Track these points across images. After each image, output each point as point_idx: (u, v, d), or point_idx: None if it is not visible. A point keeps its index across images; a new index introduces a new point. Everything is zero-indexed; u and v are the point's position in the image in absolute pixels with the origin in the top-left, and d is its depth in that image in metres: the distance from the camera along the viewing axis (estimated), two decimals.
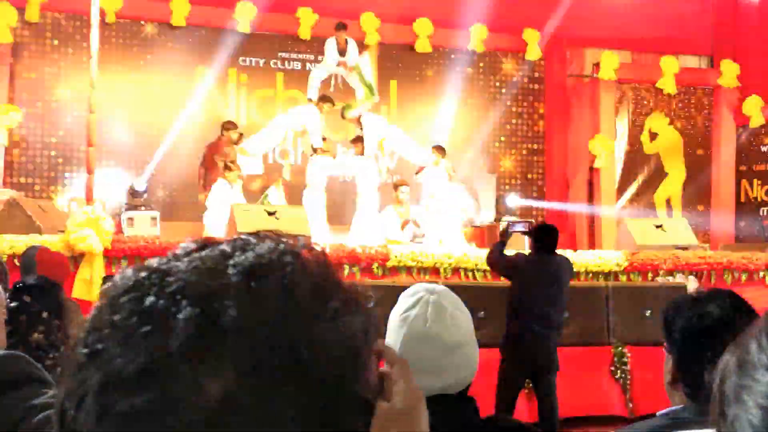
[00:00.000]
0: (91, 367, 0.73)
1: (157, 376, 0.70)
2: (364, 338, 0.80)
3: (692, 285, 10.11)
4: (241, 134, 12.66)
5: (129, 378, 0.70)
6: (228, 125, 12.44)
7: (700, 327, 2.27)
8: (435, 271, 10.29)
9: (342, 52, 12.84)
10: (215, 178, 11.88)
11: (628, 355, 9.69)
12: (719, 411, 0.89)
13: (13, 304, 3.18)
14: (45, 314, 3.22)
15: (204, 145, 12.57)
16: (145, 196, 12.92)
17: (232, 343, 0.71)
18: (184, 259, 0.77)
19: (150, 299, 0.73)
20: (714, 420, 0.90)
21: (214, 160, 12.11)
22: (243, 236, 0.81)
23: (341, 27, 12.80)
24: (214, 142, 12.38)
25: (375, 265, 10.22)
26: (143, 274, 0.76)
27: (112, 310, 0.74)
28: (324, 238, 11.63)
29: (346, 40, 12.92)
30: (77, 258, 9.03)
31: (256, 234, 0.82)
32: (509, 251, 7.92)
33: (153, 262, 0.78)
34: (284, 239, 0.81)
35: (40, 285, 3.33)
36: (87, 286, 8.70)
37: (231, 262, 0.76)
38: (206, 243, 0.80)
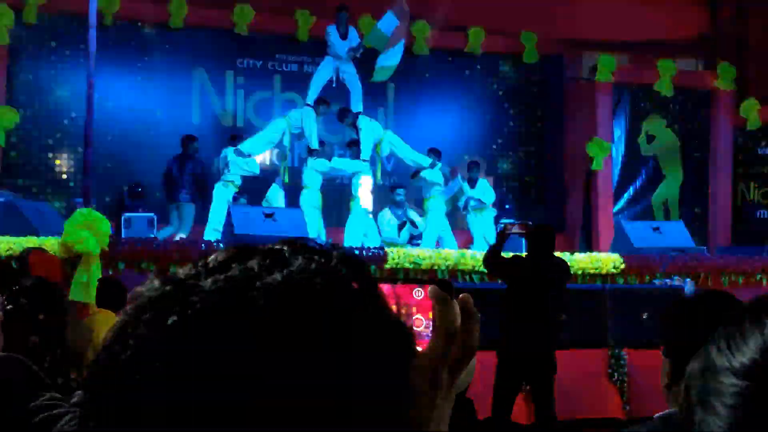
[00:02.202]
0: (114, 378, 0.73)
1: (177, 399, 0.70)
2: (396, 368, 0.77)
3: (689, 288, 10.12)
4: (237, 136, 12.65)
5: (149, 396, 0.71)
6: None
7: (696, 329, 2.27)
8: (432, 273, 10.29)
9: (344, 36, 12.81)
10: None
11: (626, 357, 9.70)
12: (686, 417, 0.91)
13: (9, 307, 3.17)
14: (42, 316, 3.22)
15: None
16: (143, 197, 12.92)
17: (248, 372, 0.70)
18: (210, 277, 0.75)
19: (173, 318, 0.72)
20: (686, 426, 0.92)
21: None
22: (277, 248, 0.78)
23: (342, 8, 12.76)
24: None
25: (372, 268, 10.22)
26: (169, 288, 0.75)
27: (137, 322, 0.74)
28: (320, 241, 11.62)
29: (347, 24, 12.88)
30: (74, 260, 9.02)
31: (291, 244, 0.79)
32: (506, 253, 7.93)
33: (181, 273, 0.77)
34: (317, 256, 0.78)
35: (37, 287, 3.33)
36: (84, 289, 8.67)
37: (258, 284, 0.73)
38: (237, 255, 0.78)
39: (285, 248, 0.78)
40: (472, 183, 13.33)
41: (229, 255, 0.78)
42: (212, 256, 0.78)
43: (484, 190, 13.33)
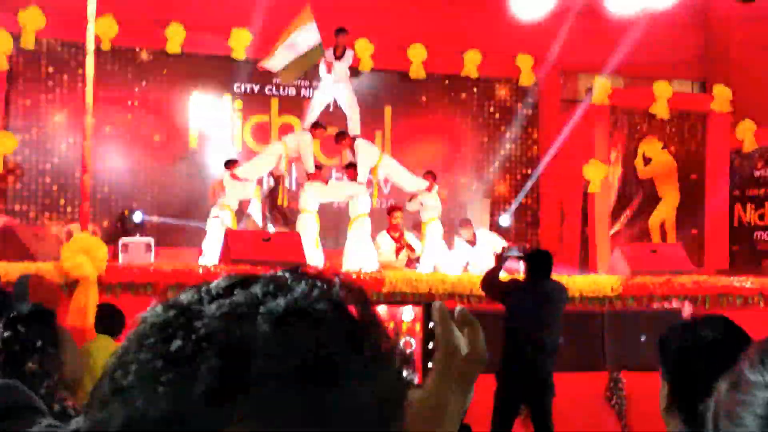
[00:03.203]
0: (116, 402, 0.73)
1: (179, 424, 0.71)
2: (395, 391, 0.78)
3: (687, 310, 10.12)
4: (235, 161, 12.67)
5: (151, 421, 0.71)
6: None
7: (695, 353, 2.27)
8: (430, 296, 10.28)
9: (339, 58, 12.83)
10: None
11: (624, 380, 9.68)
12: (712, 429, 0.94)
13: (6, 334, 3.17)
14: (39, 343, 3.21)
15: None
16: (140, 222, 12.92)
17: (255, 397, 0.71)
18: (214, 303, 0.75)
19: (177, 343, 0.72)
20: None
21: None
22: (279, 274, 0.79)
23: (341, 31, 12.78)
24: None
25: (370, 291, 10.21)
26: (172, 313, 0.76)
27: (140, 348, 0.74)
28: (317, 264, 11.63)
29: (344, 46, 12.90)
30: (71, 285, 9.01)
31: (293, 270, 0.80)
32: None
33: (184, 299, 0.77)
34: (320, 281, 0.78)
35: (34, 314, 3.32)
36: (81, 314, 8.67)
37: (262, 309, 0.74)
38: (240, 281, 0.78)
39: (287, 275, 0.79)
40: (471, 243, 12.80)
41: (231, 281, 0.78)
42: (215, 282, 0.79)
43: (485, 241, 12.80)
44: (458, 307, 1.07)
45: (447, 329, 1.03)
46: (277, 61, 12.48)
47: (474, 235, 12.75)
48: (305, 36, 12.29)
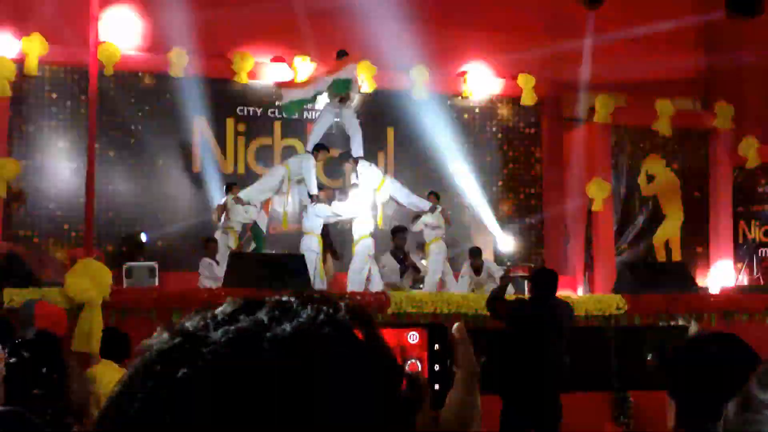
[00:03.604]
0: (122, 430, 0.73)
1: None
2: (403, 414, 0.78)
3: (694, 328, 10.09)
4: (233, 184, 12.68)
5: None
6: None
7: (702, 371, 2.26)
8: (435, 316, 10.25)
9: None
10: None
11: (631, 399, 9.64)
12: None
13: (12, 360, 3.17)
14: (44, 370, 3.20)
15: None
16: (144, 246, 12.94)
17: (260, 424, 0.71)
18: (220, 329, 0.75)
19: (183, 371, 0.72)
20: None
21: None
22: (284, 299, 0.79)
23: (342, 53, 12.82)
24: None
25: (374, 312, 10.19)
26: (178, 340, 0.76)
27: (146, 375, 0.74)
28: (321, 286, 11.62)
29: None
30: (76, 310, 9.00)
31: (298, 295, 0.80)
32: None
33: (189, 326, 0.77)
34: (325, 306, 0.78)
35: (39, 340, 3.32)
36: (86, 338, 8.67)
37: (268, 335, 0.74)
38: (245, 307, 0.78)
39: (292, 299, 0.79)
40: (478, 271, 12.71)
41: (237, 307, 0.78)
42: (220, 308, 0.78)
43: (491, 272, 12.52)
44: (456, 324, 1.10)
45: (467, 349, 1.07)
46: (296, 94, 12.53)
47: (481, 264, 12.72)
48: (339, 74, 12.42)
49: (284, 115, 13.68)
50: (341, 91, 12.57)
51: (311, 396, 0.72)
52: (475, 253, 12.85)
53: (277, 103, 13.51)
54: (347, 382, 0.74)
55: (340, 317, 0.78)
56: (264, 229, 12.89)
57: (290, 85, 12.85)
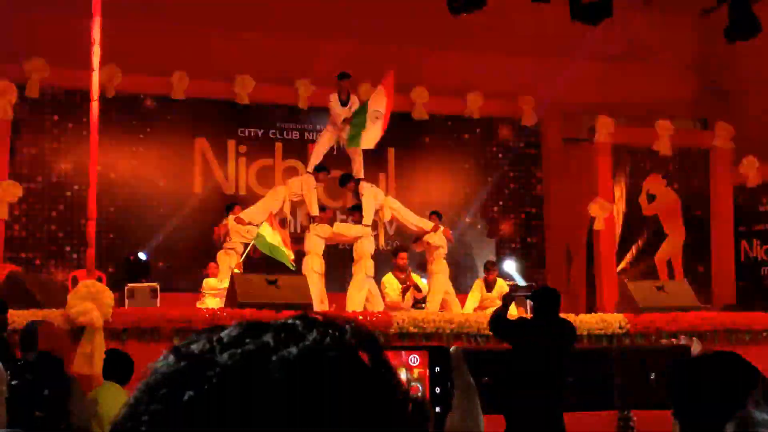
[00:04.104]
0: None
1: None
2: None
3: (696, 347, 10.07)
4: (237, 205, 12.70)
5: None
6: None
7: (705, 390, 2.26)
8: (437, 337, 10.24)
9: (344, 104, 12.86)
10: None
11: (634, 419, 9.61)
12: None
13: (14, 382, 3.17)
14: (46, 391, 3.20)
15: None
16: (146, 267, 12.93)
17: None
18: (226, 352, 0.75)
19: (189, 394, 0.72)
20: None
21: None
22: (290, 321, 0.79)
23: (344, 76, 12.84)
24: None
25: (376, 333, 10.15)
26: (184, 363, 0.76)
27: (152, 398, 0.74)
28: (323, 306, 11.62)
29: (348, 91, 12.95)
30: (78, 332, 8.99)
31: (304, 317, 0.80)
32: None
33: (195, 348, 0.77)
34: (331, 329, 0.78)
35: (42, 362, 3.32)
36: (88, 360, 8.65)
37: (274, 357, 0.74)
38: (251, 330, 0.78)
39: (298, 322, 0.79)
40: (489, 286, 12.73)
41: (243, 330, 0.78)
42: (226, 331, 0.79)
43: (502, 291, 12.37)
44: (453, 348, 1.12)
45: (464, 372, 1.08)
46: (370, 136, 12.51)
47: (495, 279, 12.70)
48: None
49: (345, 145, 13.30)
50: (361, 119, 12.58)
51: (318, 420, 0.72)
52: (489, 266, 12.87)
53: (278, 125, 13.39)
54: (353, 405, 0.74)
55: (346, 340, 0.78)
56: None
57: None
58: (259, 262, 12.88)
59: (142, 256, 13.13)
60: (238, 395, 0.72)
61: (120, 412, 0.76)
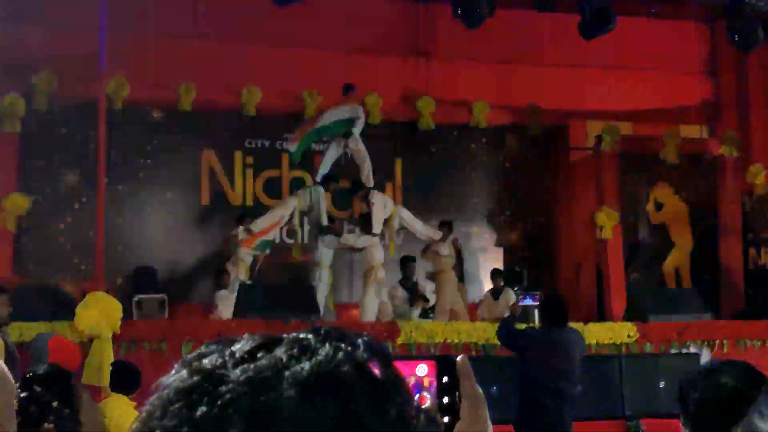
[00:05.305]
0: None
1: None
2: None
3: (706, 356, 10.04)
4: (244, 216, 12.71)
5: None
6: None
7: (715, 399, 2.25)
8: (446, 346, 10.23)
9: None
10: None
11: (643, 428, 9.58)
12: None
13: (23, 394, 3.17)
14: (56, 404, 3.20)
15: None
16: (154, 279, 12.95)
17: None
18: (238, 367, 0.76)
19: (202, 409, 0.72)
20: None
21: None
22: (302, 336, 0.79)
23: (349, 89, 12.85)
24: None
25: (385, 342, 10.15)
26: (197, 378, 0.76)
27: (164, 413, 0.74)
28: (331, 317, 11.62)
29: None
30: (86, 343, 9.01)
31: (316, 332, 0.80)
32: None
33: (208, 363, 0.77)
34: (344, 344, 0.78)
35: (51, 374, 3.32)
36: (96, 372, 8.66)
37: (286, 373, 0.74)
38: (263, 344, 0.79)
39: (311, 336, 0.79)
40: (495, 294, 12.77)
41: (255, 344, 0.78)
42: (238, 345, 0.79)
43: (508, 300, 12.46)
44: (460, 357, 1.11)
45: (472, 381, 1.09)
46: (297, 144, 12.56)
47: (501, 288, 12.70)
48: (335, 112, 12.47)
49: (292, 162, 13.44)
50: (341, 129, 12.61)
51: None
52: (495, 274, 12.87)
53: (288, 149, 13.35)
54: (366, 420, 0.74)
55: (358, 355, 0.78)
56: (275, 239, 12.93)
57: (297, 134, 12.76)
58: (268, 272, 12.91)
59: (148, 269, 13.14)
60: (251, 412, 0.72)
61: (132, 426, 0.76)
